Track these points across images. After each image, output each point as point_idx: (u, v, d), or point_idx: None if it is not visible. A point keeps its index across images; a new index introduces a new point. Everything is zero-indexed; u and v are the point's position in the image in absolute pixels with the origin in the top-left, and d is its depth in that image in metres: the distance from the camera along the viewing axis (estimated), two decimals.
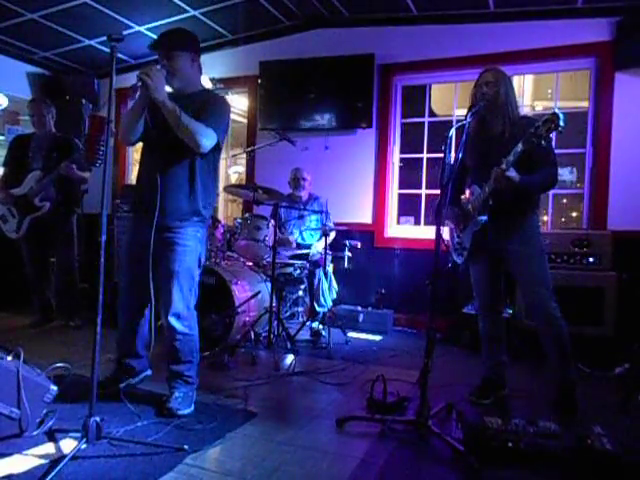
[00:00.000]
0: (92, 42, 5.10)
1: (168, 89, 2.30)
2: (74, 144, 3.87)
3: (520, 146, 2.28)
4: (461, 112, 4.47)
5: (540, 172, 2.40)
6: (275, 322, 3.45)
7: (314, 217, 4.37)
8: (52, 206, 3.81)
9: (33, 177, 3.79)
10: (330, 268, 4.23)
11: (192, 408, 2.32)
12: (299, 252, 4.04)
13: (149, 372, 2.69)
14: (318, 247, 4.13)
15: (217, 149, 2.41)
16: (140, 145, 2.55)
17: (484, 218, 2.50)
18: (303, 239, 4.31)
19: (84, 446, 1.81)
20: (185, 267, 2.34)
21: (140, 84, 2.11)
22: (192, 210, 2.35)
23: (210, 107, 2.32)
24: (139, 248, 2.33)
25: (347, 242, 4.26)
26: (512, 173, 2.31)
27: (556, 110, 2.19)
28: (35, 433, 1.97)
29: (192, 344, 2.40)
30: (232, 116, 6.37)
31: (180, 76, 2.34)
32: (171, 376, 2.40)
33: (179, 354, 2.37)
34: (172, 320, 2.32)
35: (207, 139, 2.24)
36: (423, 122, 4.85)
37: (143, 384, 2.65)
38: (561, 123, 2.17)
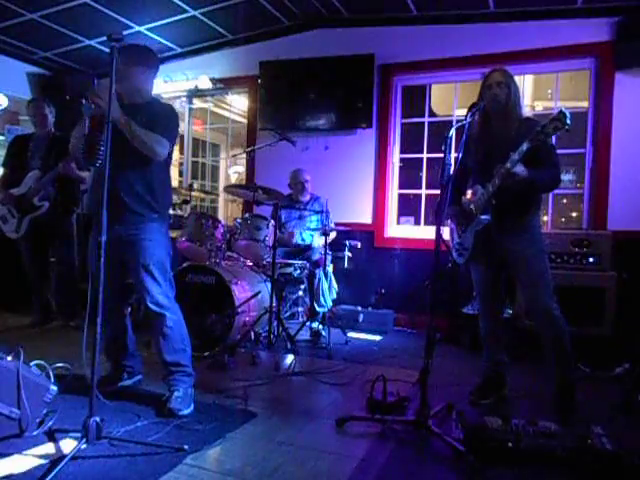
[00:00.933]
0: (92, 42, 5.10)
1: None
2: None
3: (526, 144, 2.28)
4: (461, 112, 4.46)
5: (543, 171, 2.41)
6: (275, 322, 3.45)
7: (314, 217, 4.37)
8: (51, 206, 3.81)
9: (32, 177, 3.79)
10: (330, 268, 4.23)
11: (192, 407, 2.32)
12: (301, 243, 4.04)
13: (140, 377, 2.70)
14: (319, 242, 4.11)
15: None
16: None
17: (487, 218, 2.50)
18: (303, 239, 4.31)
19: (84, 446, 1.81)
20: (155, 259, 2.38)
21: (93, 106, 2.22)
22: (152, 210, 2.41)
23: (160, 118, 2.41)
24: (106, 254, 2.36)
25: (347, 242, 4.26)
26: (518, 169, 2.31)
27: (563, 109, 2.19)
28: (35, 433, 1.97)
29: (181, 329, 2.43)
30: (232, 116, 6.45)
31: (131, 82, 2.43)
32: (168, 371, 2.39)
33: (171, 342, 2.38)
34: (155, 307, 2.35)
35: (161, 146, 2.33)
36: (423, 122, 4.85)
37: (142, 384, 2.65)
38: (568, 122, 2.18)
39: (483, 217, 2.51)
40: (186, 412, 2.27)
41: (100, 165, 2.07)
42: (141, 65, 2.45)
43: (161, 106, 2.53)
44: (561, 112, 2.18)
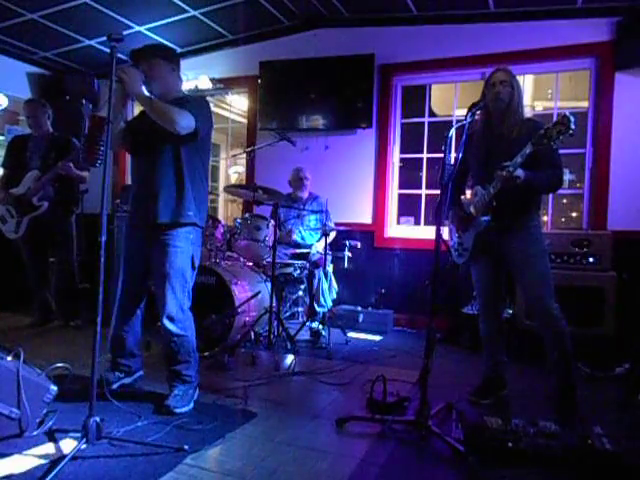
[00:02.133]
0: (92, 42, 5.10)
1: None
2: (72, 143, 3.87)
3: (529, 147, 2.27)
4: (461, 112, 4.46)
5: (546, 173, 2.40)
6: (275, 322, 3.45)
7: (313, 216, 4.37)
8: (50, 206, 3.81)
9: (31, 177, 3.79)
10: (330, 268, 4.23)
11: (191, 406, 2.33)
12: (299, 251, 4.04)
13: (141, 372, 2.71)
14: (318, 247, 4.13)
15: (200, 142, 2.42)
16: None
17: (487, 219, 2.50)
18: (303, 239, 4.31)
19: (84, 446, 1.81)
20: (176, 268, 2.36)
21: (117, 80, 2.20)
22: (181, 209, 2.37)
23: (187, 102, 2.39)
24: (133, 251, 2.48)
25: (347, 242, 4.26)
26: (519, 172, 2.31)
27: (567, 113, 2.18)
28: (35, 433, 1.97)
29: (188, 345, 2.42)
30: (232, 116, 6.45)
31: (160, 82, 2.43)
32: (170, 376, 2.43)
33: (176, 355, 2.39)
34: (166, 322, 2.36)
35: (182, 117, 2.26)
36: (423, 122, 4.85)
37: (143, 384, 2.65)
38: (572, 126, 2.17)
39: (483, 218, 2.51)
40: (184, 410, 2.28)
41: (100, 165, 2.07)
42: (166, 60, 2.45)
43: (192, 97, 2.54)
44: (565, 116, 2.17)
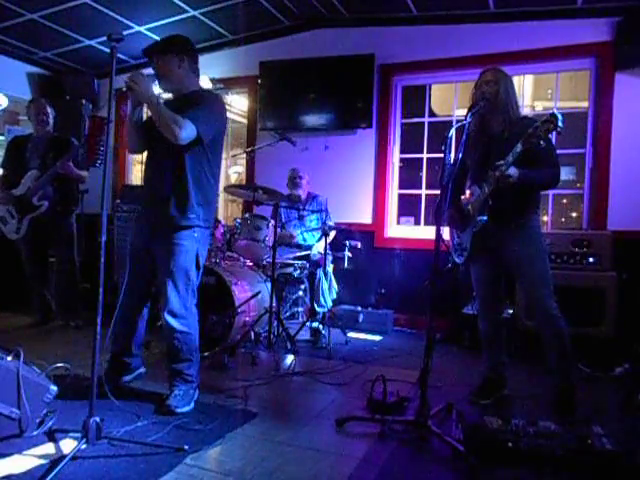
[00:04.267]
0: (92, 42, 5.10)
1: (168, 95, 2.49)
2: (71, 143, 3.87)
3: (519, 146, 2.28)
4: (461, 112, 4.47)
5: (540, 170, 2.41)
6: (275, 322, 3.44)
7: (314, 216, 4.37)
8: (50, 205, 3.81)
9: (30, 177, 3.79)
10: (330, 268, 4.22)
11: (191, 406, 2.33)
12: (300, 254, 4.04)
13: (143, 370, 2.72)
14: (319, 247, 4.13)
15: (212, 148, 2.43)
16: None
17: (484, 218, 2.50)
18: (304, 239, 4.31)
19: (84, 446, 1.81)
20: (179, 266, 2.37)
21: (127, 89, 2.25)
22: (185, 207, 2.37)
23: (197, 104, 2.36)
24: (139, 248, 2.49)
25: (347, 242, 4.26)
26: (511, 171, 2.32)
27: (555, 111, 2.20)
28: (35, 433, 1.97)
29: (191, 343, 2.42)
30: (232, 116, 6.46)
31: (170, 77, 2.42)
32: (171, 374, 2.42)
33: (178, 353, 2.39)
34: (169, 318, 2.36)
35: (183, 130, 2.25)
36: (423, 122, 4.85)
37: (143, 384, 2.65)
38: (560, 124, 2.18)
39: (480, 218, 2.51)
40: (184, 410, 2.28)
41: (100, 165, 2.09)
42: (174, 53, 2.42)
43: (204, 93, 2.51)
44: (553, 114, 2.19)
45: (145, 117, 2.55)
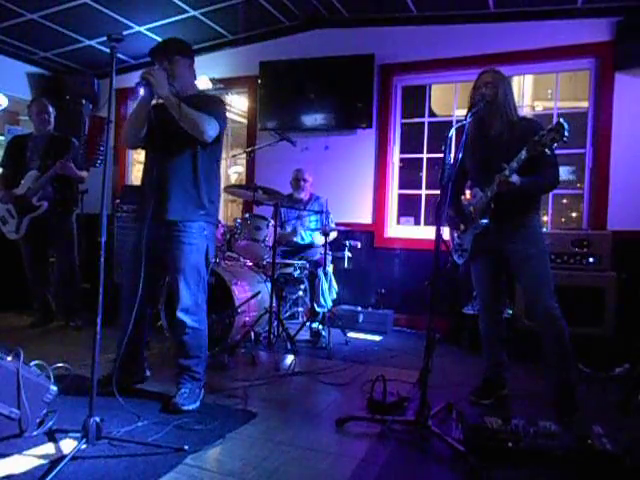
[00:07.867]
0: (92, 42, 5.10)
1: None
2: (71, 143, 3.87)
3: (524, 154, 2.28)
4: (461, 112, 4.47)
5: (541, 173, 2.41)
6: (275, 322, 3.45)
7: (313, 217, 4.36)
8: (50, 205, 3.81)
9: (30, 177, 3.79)
10: (330, 268, 4.22)
11: (197, 405, 2.35)
12: (301, 242, 4.03)
13: (148, 373, 2.71)
14: (319, 240, 4.11)
15: (217, 143, 2.48)
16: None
17: (486, 221, 2.50)
18: (303, 239, 4.30)
19: (84, 446, 1.81)
20: (191, 264, 2.39)
21: (144, 83, 2.23)
22: (196, 205, 2.40)
23: (206, 103, 2.43)
24: (144, 248, 2.38)
25: (347, 242, 4.26)
26: (514, 178, 2.32)
27: (561, 120, 2.19)
28: (35, 433, 1.97)
29: (201, 340, 2.45)
30: (232, 116, 6.47)
31: (179, 79, 2.44)
32: (179, 371, 2.44)
33: (187, 349, 2.41)
34: (181, 315, 2.38)
35: (210, 127, 2.32)
36: (423, 122, 4.85)
37: (143, 384, 2.65)
38: (566, 133, 2.18)
39: (482, 221, 2.52)
40: (191, 408, 2.29)
41: (100, 165, 2.08)
42: (185, 56, 2.47)
43: (207, 95, 2.60)
44: (560, 123, 2.18)
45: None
